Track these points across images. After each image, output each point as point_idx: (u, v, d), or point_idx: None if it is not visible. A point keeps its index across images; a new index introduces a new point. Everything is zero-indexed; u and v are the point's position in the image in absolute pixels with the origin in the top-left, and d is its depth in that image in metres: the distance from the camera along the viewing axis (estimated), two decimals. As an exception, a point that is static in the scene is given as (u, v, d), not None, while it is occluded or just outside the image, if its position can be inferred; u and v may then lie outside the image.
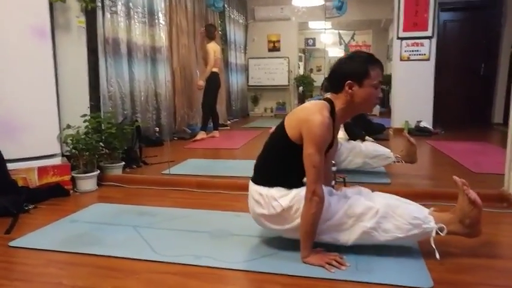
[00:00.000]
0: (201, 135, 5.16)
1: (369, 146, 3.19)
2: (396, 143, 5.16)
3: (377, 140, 4.85)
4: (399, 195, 2.64)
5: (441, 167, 3.65)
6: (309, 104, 1.77)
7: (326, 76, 1.76)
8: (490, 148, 4.54)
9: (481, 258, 1.73)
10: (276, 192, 1.73)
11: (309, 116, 1.65)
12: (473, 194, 1.67)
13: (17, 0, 2.73)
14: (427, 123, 5.65)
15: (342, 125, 5.07)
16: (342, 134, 4.71)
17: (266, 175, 1.80)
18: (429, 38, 5.64)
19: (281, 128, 1.75)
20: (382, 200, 1.72)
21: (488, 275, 1.62)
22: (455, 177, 1.76)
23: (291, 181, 1.76)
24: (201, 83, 5.22)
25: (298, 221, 1.69)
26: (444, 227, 1.65)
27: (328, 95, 1.79)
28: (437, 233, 1.65)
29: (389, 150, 3.18)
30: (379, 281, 1.55)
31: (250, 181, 1.85)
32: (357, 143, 3.16)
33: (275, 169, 1.79)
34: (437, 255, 1.64)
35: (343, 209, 1.71)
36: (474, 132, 5.86)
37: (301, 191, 1.70)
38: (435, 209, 1.79)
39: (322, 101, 1.74)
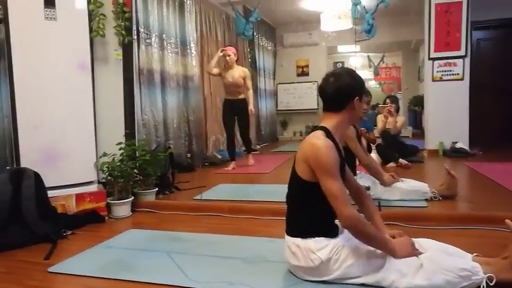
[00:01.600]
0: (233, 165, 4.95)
1: (405, 183, 3.09)
2: (430, 165, 5.02)
3: (411, 162, 4.74)
4: (436, 219, 2.59)
5: (480, 189, 3.50)
6: (304, 140, 1.75)
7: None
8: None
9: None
10: (314, 244, 1.70)
11: (309, 147, 1.67)
12: None
13: (62, 37, 2.93)
14: (463, 144, 5.47)
15: (374, 148, 5.02)
16: (375, 157, 4.65)
17: (298, 226, 1.78)
18: (462, 57, 5.53)
19: (293, 173, 1.76)
20: (426, 254, 1.65)
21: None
22: (508, 221, 1.69)
23: (325, 225, 1.75)
24: (253, 109, 5.04)
25: (337, 273, 1.66)
26: (493, 276, 1.56)
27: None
28: (486, 283, 1.56)
29: (426, 186, 3.07)
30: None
31: (285, 234, 1.83)
32: (394, 184, 3.07)
33: (304, 218, 1.77)
34: None
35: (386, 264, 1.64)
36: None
37: (339, 242, 1.69)
38: (478, 254, 1.73)
39: (314, 131, 1.72)
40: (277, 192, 1.86)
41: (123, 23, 3.47)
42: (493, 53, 6.54)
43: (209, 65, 4.89)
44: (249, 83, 4.92)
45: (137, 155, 3.29)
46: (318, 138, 1.67)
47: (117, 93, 3.55)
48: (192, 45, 5.08)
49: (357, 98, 1.72)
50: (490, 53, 6.54)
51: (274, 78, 9.09)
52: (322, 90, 1.79)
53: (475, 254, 1.72)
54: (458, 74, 5.58)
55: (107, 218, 2.96)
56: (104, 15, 3.35)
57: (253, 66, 7.65)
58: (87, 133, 3.07)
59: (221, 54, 4.78)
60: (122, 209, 3.04)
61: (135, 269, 2.01)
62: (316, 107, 8.97)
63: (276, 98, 9.20)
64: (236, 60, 4.91)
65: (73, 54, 2.98)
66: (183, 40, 4.95)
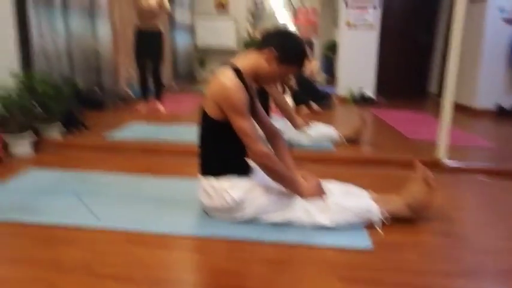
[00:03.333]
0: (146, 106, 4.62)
1: (315, 129, 3.24)
2: (341, 111, 5.33)
3: (322, 107, 4.98)
4: (342, 161, 2.80)
5: (382, 134, 3.84)
6: (213, 78, 1.73)
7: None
8: (425, 117, 4.83)
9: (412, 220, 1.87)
10: (228, 184, 1.74)
11: (218, 87, 1.66)
12: (433, 182, 1.80)
13: None
14: (369, 91, 5.86)
15: (289, 92, 5.14)
16: (289, 100, 4.78)
17: (211, 166, 1.79)
18: (374, 6, 5.75)
19: (203, 112, 1.75)
20: (330, 197, 1.78)
21: (421, 236, 1.76)
22: (417, 162, 1.87)
23: (238, 163, 1.79)
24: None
25: (249, 211, 1.74)
26: (388, 216, 1.77)
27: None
28: (381, 220, 1.76)
29: (334, 132, 3.27)
30: (321, 243, 1.63)
31: (199, 174, 1.83)
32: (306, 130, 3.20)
33: (217, 157, 1.79)
34: (380, 230, 1.74)
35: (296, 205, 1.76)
36: (412, 101, 6.18)
37: (252, 181, 1.76)
38: (373, 191, 1.91)
39: (225, 68, 1.71)
40: (192, 132, 1.83)
41: None
42: (402, 3, 6.88)
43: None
44: (167, 4, 4.44)
45: (38, 90, 2.94)
46: (226, 78, 1.65)
47: (5, 14, 3.04)
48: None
49: (273, 50, 1.68)
50: (399, 4, 6.87)
51: (192, 10, 8.58)
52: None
53: (370, 191, 1.91)
54: (370, 22, 5.81)
55: (4, 159, 2.67)
56: None
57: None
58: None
59: None
60: (21, 146, 2.76)
61: (39, 212, 1.88)
62: (235, 46, 8.80)
63: (193, 33, 8.79)
64: None
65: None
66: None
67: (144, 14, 4.32)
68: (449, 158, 2.73)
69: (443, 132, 2.73)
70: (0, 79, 2.78)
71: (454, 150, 2.80)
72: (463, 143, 3.41)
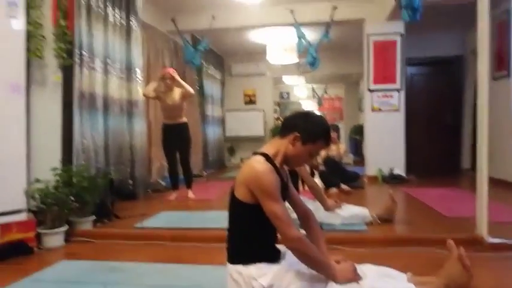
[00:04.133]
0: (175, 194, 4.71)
1: (346, 209, 3.19)
2: (370, 190, 5.23)
3: (352, 187, 4.91)
4: (375, 242, 2.68)
5: (416, 212, 3.68)
6: (244, 164, 1.75)
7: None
8: (461, 193, 4.64)
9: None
10: (256, 270, 1.67)
11: (249, 171, 1.67)
12: (468, 262, 1.70)
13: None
14: (400, 170, 5.78)
15: (317, 174, 5.15)
16: (318, 183, 4.77)
17: (239, 252, 1.75)
18: (398, 90, 5.93)
19: (233, 197, 1.74)
20: (366, 280, 1.68)
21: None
22: (450, 242, 1.79)
23: (266, 250, 1.74)
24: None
25: None
26: None
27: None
28: None
29: (366, 210, 3.20)
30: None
31: (227, 261, 1.79)
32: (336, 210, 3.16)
33: (245, 243, 1.75)
34: None
35: None
36: (445, 178, 6.01)
37: (282, 267, 1.68)
38: (413, 274, 1.79)
39: (256, 156, 1.73)
40: (222, 219, 1.83)
41: (64, 46, 3.35)
42: (425, 87, 7.09)
43: (147, 88, 4.70)
44: (189, 89, 4.61)
45: (74, 181, 3.11)
46: (257, 162, 1.68)
47: (54, 117, 3.38)
48: (138, 70, 5.01)
49: (298, 135, 1.72)
50: (422, 87, 7.08)
51: (222, 106, 9.16)
52: None
53: (410, 274, 1.78)
54: (394, 105, 5.95)
55: (36, 249, 2.74)
56: (43, 37, 3.22)
57: (201, 94, 7.66)
58: (17, 158, 2.84)
59: (161, 77, 4.56)
60: (54, 238, 2.84)
61: (65, 303, 1.86)
62: (262, 134, 9.12)
63: (223, 125, 9.24)
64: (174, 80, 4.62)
65: (6, 75, 2.80)
66: (128, 65, 4.86)
67: (169, 109, 4.60)
68: (491, 235, 2.55)
69: (481, 208, 2.60)
70: (42, 174, 2.96)
71: (495, 227, 2.63)
72: (505, 218, 3.20)
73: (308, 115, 1.83)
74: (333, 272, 1.66)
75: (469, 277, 1.69)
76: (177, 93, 4.61)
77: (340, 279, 1.65)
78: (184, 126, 4.66)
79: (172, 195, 4.66)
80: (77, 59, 3.76)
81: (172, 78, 4.56)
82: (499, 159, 5.00)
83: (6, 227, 2.64)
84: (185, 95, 4.61)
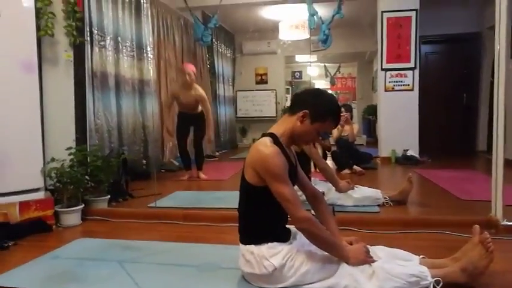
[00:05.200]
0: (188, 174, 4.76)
1: (359, 190, 3.17)
2: (383, 172, 5.20)
3: (365, 168, 4.89)
4: (388, 223, 2.67)
5: (429, 195, 3.66)
6: (252, 146, 1.75)
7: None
8: (476, 175, 4.58)
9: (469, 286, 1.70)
10: (267, 250, 1.69)
11: (256, 154, 1.67)
12: (492, 245, 1.68)
13: (5, 35, 2.74)
14: (413, 151, 5.71)
15: (330, 155, 5.13)
16: (330, 164, 4.76)
17: (250, 233, 1.77)
18: (412, 69, 5.81)
19: (243, 179, 1.75)
20: (377, 263, 1.67)
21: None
22: (476, 227, 1.77)
23: (277, 230, 1.75)
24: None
25: (292, 280, 1.66)
26: (440, 279, 1.62)
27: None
28: (434, 286, 1.61)
29: (379, 192, 3.18)
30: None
31: (240, 242, 1.81)
32: (349, 191, 3.14)
33: (256, 223, 1.77)
34: None
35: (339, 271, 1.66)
36: (460, 160, 5.94)
37: (293, 247, 1.70)
38: (424, 256, 1.79)
39: (263, 137, 1.73)
40: (234, 199, 1.85)
41: (74, 23, 3.33)
42: (440, 66, 6.93)
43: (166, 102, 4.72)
44: (207, 107, 4.61)
45: (88, 160, 3.15)
46: (264, 145, 1.67)
47: (67, 96, 3.39)
48: (149, 49, 4.97)
49: (307, 112, 1.70)
50: (437, 66, 6.92)
51: (233, 85, 9.10)
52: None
53: (421, 256, 1.79)
54: (408, 84, 5.84)
55: (54, 226, 2.81)
56: (53, 14, 3.20)
57: (212, 72, 7.62)
58: (33, 138, 2.89)
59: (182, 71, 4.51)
60: (71, 217, 2.90)
61: (83, 280, 1.91)
62: (275, 115, 9.07)
63: (235, 105, 9.20)
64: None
65: (18, 54, 2.81)
66: (139, 43, 4.83)
67: (184, 105, 4.60)
68: (507, 218, 2.53)
69: (496, 190, 2.57)
70: (57, 154, 3.00)
71: (510, 209, 2.60)
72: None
73: (319, 93, 1.81)
74: (345, 254, 1.67)
75: (489, 261, 1.67)
76: (193, 93, 4.54)
77: (353, 260, 1.66)
78: (200, 115, 4.63)
79: (185, 176, 4.70)
80: (87, 37, 3.74)
81: (193, 75, 4.51)
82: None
83: (26, 205, 2.70)
84: (198, 100, 4.56)
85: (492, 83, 2.70)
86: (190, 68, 4.58)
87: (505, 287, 1.75)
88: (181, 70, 4.57)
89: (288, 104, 9.30)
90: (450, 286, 1.65)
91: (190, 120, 4.67)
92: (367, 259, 1.67)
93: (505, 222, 2.50)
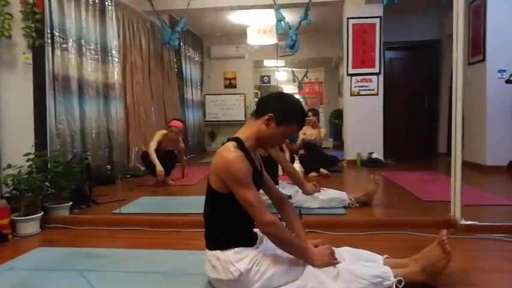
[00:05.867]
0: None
1: (325, 193, 3.22)
2: (349, 174, 5.30)
3: (331, 171, 4.97)
4: (353, 225, 2.72)
5: (393, 196, 3.76)
6: (216, 152, 1.74)
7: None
8: (437, 177, 4.75)
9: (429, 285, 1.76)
10: (233, 255, 1.68)
11: (219, 160, 1.66)
12: (449, 247, 1.73)
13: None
14: (378, 154, 5.86)
15: (297, 158, 5.18)
16: (297, 167, 4.81)
17: (216, 238, 1.75)
18: (377, 74, 5.97)
19: (208, 186, 1.74)
20: (342, 265, 1.70)
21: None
22: (444, 232, 1.81)
23: (243, 235, 1.74)
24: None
25: (258, 284, 1.65)
26: (402, 279, 1.67)
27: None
28: (396, 286, 1.65)
29: (345, 194, 3.24)
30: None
31: (206, 248, 1.79)
32: (315, 194, 3.18)
33: (222, 229, 1.75)
34: None
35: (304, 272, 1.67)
36: (422, 162, 6.14)
37: (259, 252, 1.69)
38: (388, 257, 1.84)
39: (228, 142, 1.74)
40: (201, 204, 1.82)
41: (33, 25, 3.21)
42: (402, 71, 7.17)
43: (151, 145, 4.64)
44: (182, 155, 4.86)
45: (49, 166, 3.03)
46: (227, 150, 1.66)
47: (25, 100, 3.26)
48: (114, 52, 4.87)
49: (272, 115, 1.71)
50: (400, 71, 7.16)
51: (201, 89, 9.04)
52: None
53: (385, 256, 1.82)
54: (373, 89, 6.00)
55: (10, 236, 2.67)
56: (11, 15, 3.07)
57: (179, 76, 7.54)
58: (-12, 143, 2.75)
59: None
60: (29, 225, 2.76)
61: (41, 292, 1.82)
62: (244, 119, 9.07)
63: (204, 109, 9.14)
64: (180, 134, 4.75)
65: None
66: (103, 46, 4.72)
67: (163, 144, 4.58)
68: (465, 217, 2.63)
69: (455, 191, 2.67)
70: (14, 160, 2.86)
71: (468, 209, 2.70)
72: (477, 201, 3.30)
73: (283, 96, 1.82)
74: (310, 256, 1.68)
75: (447, 261, 1.73)
76: (174, 146, 4.68)
77: (318, 262, 1.67)
78: (173, 153, 4.71)
79: (152, 181, 4.60)
80: (48, 39, 3.62)
81: (179, 132, 4.60)
82: (474, 143, 5.14)
83: (-22, 214, 2.56)
84: (179, 150, 4.75)
85: (451, 88, 2.80)
86: (178, 125, 4.61)
87: (464, 284, 1.81)
88: (169, 126, 4.62)
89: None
90: (412, 285, 1.69)
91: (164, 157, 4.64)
92: (331, 261, 1.69)
93: (463, 222, 2.60)
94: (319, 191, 3.19)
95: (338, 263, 1.69)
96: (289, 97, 1.82)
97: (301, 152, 5.25)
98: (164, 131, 4.64)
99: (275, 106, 1.73)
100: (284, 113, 1.72)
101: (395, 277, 1.66)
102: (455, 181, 2.66)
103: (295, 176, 3.17)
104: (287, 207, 1.93)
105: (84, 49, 4.33)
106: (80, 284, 1.89)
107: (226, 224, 1.74)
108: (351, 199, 3.19)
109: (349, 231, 2.62)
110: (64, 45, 3.99)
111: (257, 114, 1.78)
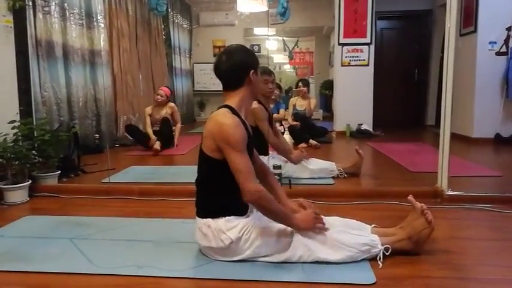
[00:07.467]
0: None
1: (314, 163, 3.24)
2: (338, 145, 5.33)
3: (321, 142, 4.99)
4: (342, 195, 2.76)
5: (382, 167, 3.81)
6: (209, 118, 1.74)
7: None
8: (425, 148, 4.82)
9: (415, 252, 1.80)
10: (224, 223, 1.69)
11: (216, 125, 1.65)
12: (431, 216, 1.76)
13: None
14: (367, 126, 5.89)
15: (287, 129, 5.18)
16: (288, 138, 4.82)
17: (208, 206, 1.76)
18: (368, 44, 5.91)
19: (201, 152, 1.73)
20: (330, 233, 1.72)
21: (424, 267, 1.70)
22: (411, 198, 1.85)
23: (235, 204, 1.73)
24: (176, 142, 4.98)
25: (247, 252, 1.67)
26: (389, 247, 1.71)
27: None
28: (383, 253, 1.70)
29: (333, 164, 3.26)
30: (324, 280, 1.56)
31: (196, 216, 1.79)
32: (304, 164, 3.20)
33: (213, 197, 1.75)
34: (380, 263, 1.68)
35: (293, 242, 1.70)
36: (411, 133, 6.21)
37: (249, 221, 1.70)
38: (376, 226, 1.87)
39: (221, 108, 1.73)
40: (191, 173, 1.82)
41: (12, -15, 3.06)
42: (395, 42, 7.11)
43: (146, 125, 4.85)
44: (178, 117, 4.94)
45: (35, 134, 2.97)
46: (223, 116, 1.65)
47: (8, 66, 3.15)
48: (99, 17, 4.71)
49: (252, 71, 1.73)
50: (392, 42, 7.10)
51: (190, 57, 8.86)
52: (217, 70, 1.77)
53: (373, 225, 1.86)
54: (364, 60, 5.95)
55: (-2, 205, 2.65)
56: (-11, -26, 2.92)
57: (167, 44, 7.36)
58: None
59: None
60: (17, 194, 2.74)
61: (31, 259, 1.82)
62: (232, 89, 8.98)
63: (192, 78, 9.00)
64: (167, 100, 4.89)
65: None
66: (88, 11, 4.55)
67: (155, 121, 4.79)
68: (451, 188, 2.68)
69: (443, 163, 2.71)
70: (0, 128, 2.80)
71: (455, 180, 2.76)
72: (464, 172, 3.36)
73: (242, 50, 1.81)
74: (295, 222, 1.71)
75: (430, 230, 1.77)
76: (164, 109, 4.84)
77: (303, 225, 1.70)
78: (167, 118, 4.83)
79: (142, 150, 4.64)
80: (29, 1, 3.47)
81: (165, 96, 4.80)
82: (461, 115, 5.18)
83: (-37, 183, 2.52)
84: (172, 114, 4.90)
85: (442, 59, 2.79)
86: (164, 90, 4.88)
87: (448, 251, 1.86)
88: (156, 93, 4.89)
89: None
90: (398, 253, 1.74)
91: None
92: (316, 221, 1.71)
93: (450, 192, 2.65)
94: (306, 157, 3.21)
95: (323, 225, 1.72)
96: (244, 48, 1.83)
97: (292, 122, 5.24)
98: (150, 106, 4.84)
99: (249, 61, 1.76)
100: (255, 62, 1.78)
101: (382, 245, 1.71)
102: (443, 153, 2.69)
103: (281, 147, 3.16)
104: (268, 175, 1.96)
105: (67, 13, 4.18)
106: (69, 251, 1.90)
107: (218, 192, 1.74)
108: (339, 169, 3.23)
109: (337, 201, 2.66)
110: (46, 9, 3.83)
111: (234, 86, 1.76)
